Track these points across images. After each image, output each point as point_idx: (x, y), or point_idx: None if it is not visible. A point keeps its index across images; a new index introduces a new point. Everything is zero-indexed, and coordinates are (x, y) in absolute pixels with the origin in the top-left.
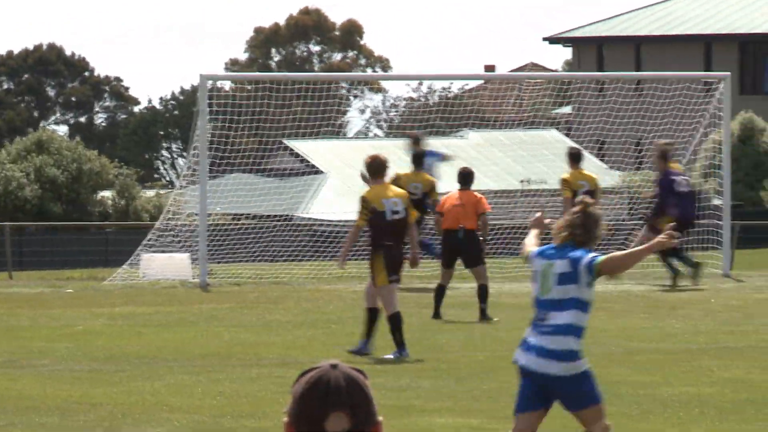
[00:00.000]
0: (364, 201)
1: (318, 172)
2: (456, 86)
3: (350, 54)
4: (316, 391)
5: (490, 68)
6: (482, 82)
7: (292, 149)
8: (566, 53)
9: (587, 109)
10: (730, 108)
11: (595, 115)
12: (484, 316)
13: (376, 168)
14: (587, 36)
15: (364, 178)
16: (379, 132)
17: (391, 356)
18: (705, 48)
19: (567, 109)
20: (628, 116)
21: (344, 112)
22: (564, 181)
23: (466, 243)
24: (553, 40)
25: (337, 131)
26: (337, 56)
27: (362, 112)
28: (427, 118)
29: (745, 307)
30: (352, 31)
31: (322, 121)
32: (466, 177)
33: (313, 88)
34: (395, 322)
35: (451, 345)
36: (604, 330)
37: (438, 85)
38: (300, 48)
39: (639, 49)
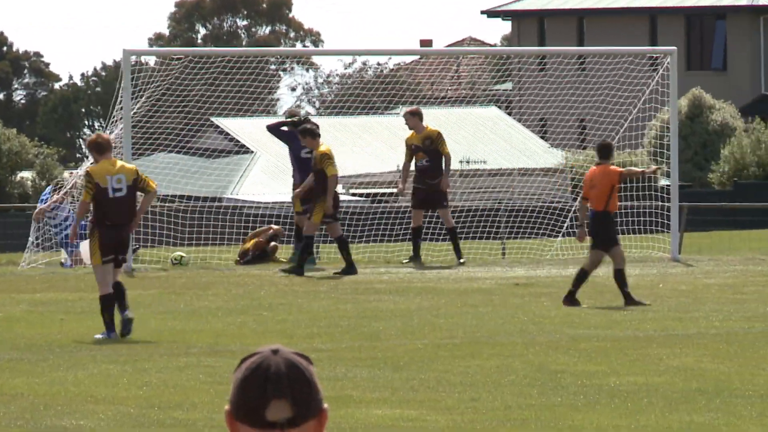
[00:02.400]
0: (88, 176)
1: (247, 151)
2: (391, 62)
3: (278, 27)
4: (255, 377)
5: (426, 43)
6: (418, 57)
7: (220, 127)
8: (506, 27)
9: (528, 85)
10: (677, 84)
11: (537, 92)
12: (629, 300)
13: (100, 145)
14: (528, 9)
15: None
16: (312, 110)
17: (99, 336)
18: (650, 21)
19: (507, 86)
20: (571, 93)
21: (274, 89)
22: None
23: (596, 224)
24: (492, 13)
25: (267, 109)
26: (265, 30)
27: (293, 89)
28: (362, 95)
29: (694, 292)
30: (279, 4)
31: (252, 98)
32: (603, 150)
33: (241, 63)
34: (105, 302)
35: (389, 333)
36: (548, 317)
37: (373, 60)
38: (227, 21)
39: (582, 23)
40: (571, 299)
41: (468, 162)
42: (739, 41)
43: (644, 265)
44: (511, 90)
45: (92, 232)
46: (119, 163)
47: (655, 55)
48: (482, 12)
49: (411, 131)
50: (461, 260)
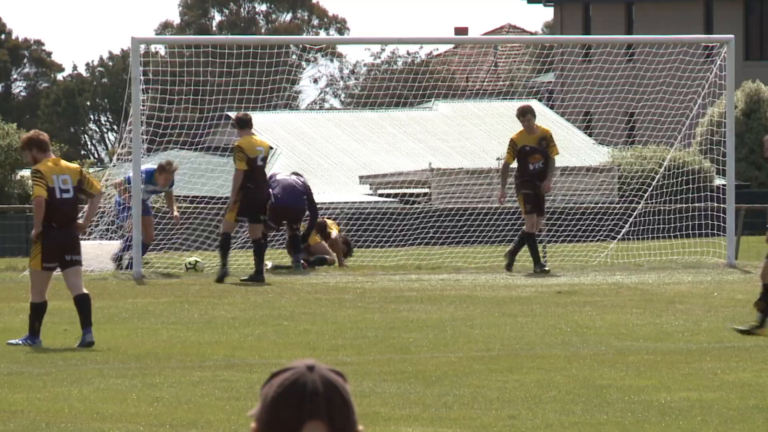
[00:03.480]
0: (39, 173)
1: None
2: (423, 51)
3: (300, 14)
4: (291, 396)
5: (461, 31)
6: (453, 46)
7: None
8: (548, 13)
9: (571, 76)
10: (734, 76)
11: (581, 83)
12: None
13: (43, 143)
14: None
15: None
16: (337, 103)
17: (19, 342)
18: (705, 7)
19: (549, 77)
20: (619, 85)
21: (296, 81)
22: None
23: None
24: None
25: (287, 103)
26: (286, 17)
27: (316, 81)
28: (391, 87)
29: (752, 302)
30: None
31: (271, 91)
32: None
33: (260, 53)
34: (36, 311)
35: (420, 345)
36: (592, 327)
37: (403, 50)
38: (244, 7)
39: (630, 9)
40: None
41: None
42: None
43: (698, 272)
44: (553, 82)
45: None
46: (63, 162)
47: (710, 44)
48: None
49: (519, 130)
50: (545, 267)
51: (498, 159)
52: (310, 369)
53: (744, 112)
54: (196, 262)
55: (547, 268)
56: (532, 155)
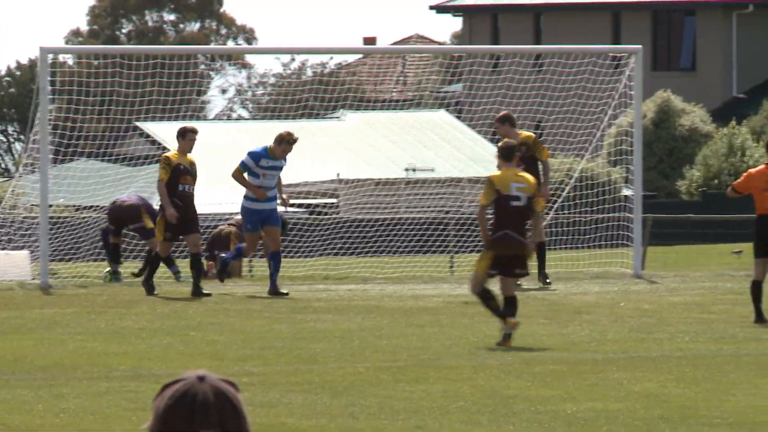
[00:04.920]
0: None
1: None
2: (332, 62)
3: (209, 23)
4: (181, 407)
5: (370, 41)
6: (361, 56)
7: (145, 132)
8: (456, 23)
9: (480, 87)
10: (642, 86)
11: (489, 93)
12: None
13: None
14: (480, 4)
15: None
16: (245, 113)
17: None
18: (613, 18)
19: (457, 87)
20: (527, 95)
21: (204, 91)
22: None
23: None
24: (441, 8)
25: (193, 114)
26: (195, 26)
27: (224, 91)
28: (300, 98)
29: (658, 311)
30: None
31: (180, 101)
32: None
33: (168, 63)
34: None
35: (327, 355)
36: (498, 337)
37: (312, 59)
38: (152, 17)
39: (539, 20)
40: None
41: (414, 170)
42: (710, 39)
43: (605, 282)
44: (461, 92)
45: None
46: None
47: (619, 55)
48: (431, 7)
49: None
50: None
51: (406, 169)
52: (201, 379)
53: (653, 122)
54: (115, 272)
55: (519, 283)
56: None
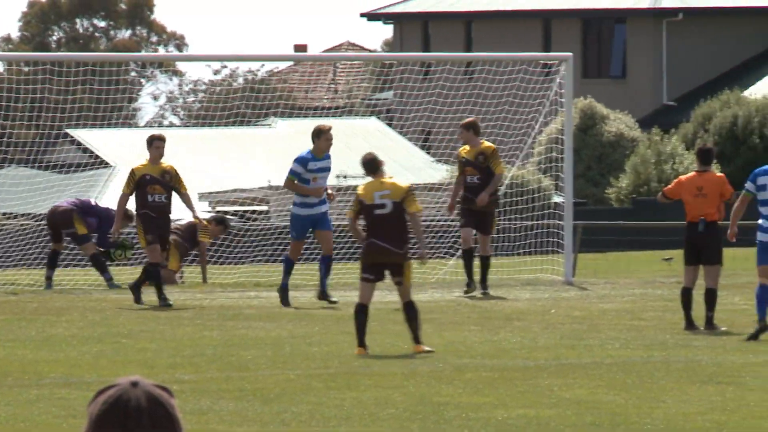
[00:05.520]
0: None
1: (106, 165)
2: (263, 69)
3: (139, 31)
4: (114, 412)
5: (301, 48)
6: (292, 63)
7: (76, 140)
8: (387, 31)
9: (411, 94)
10: (572, 93)
11: (420, 101)
12: (710, 325)
13: None
14: (411, 12)
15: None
16: (176, 120)
17: None
18: (544, 25)
19: (388, 95)
20: (458, 102)
21: (135, 98)
22: None
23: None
24: (372, 16)
25: (124, 122)
26: (125, 33)
27: (155, 98)
28: (231, 105)
29: (589, 318)
30: (140, 5)
31: (111, 109)
32: (706, 154)
33: (99, 70)
34: None
35: (258, 362)
36: (430, 344)
37: (243, 67)
38: (83, 24)
39: (469, 27)
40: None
41: (345, 177)
42: (640, 47)
43: (535, 289)
44: (392, 99)
45: None
46: None
47: (549, 62)
48: (362, 15)
49: (465, 145)
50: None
51: (338, 176)
52: (134, 385)
53: (579, 128)
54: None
55: (472, 288)
56: (466, 167)
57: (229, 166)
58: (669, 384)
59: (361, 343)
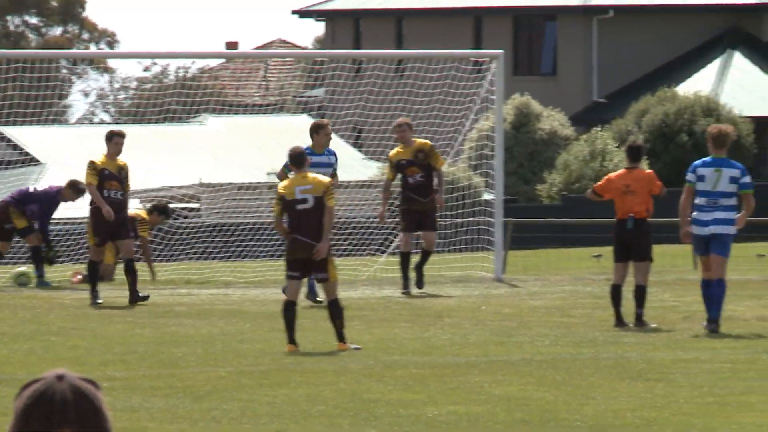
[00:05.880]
0: None
1: (36, 162)
2: (195, 66)
3: (71, 28)
4: (39, 406)
5: (232, 45)
6: (224, 61)
7: (6, 137)
8: (319, 28)
9: (342, 91)
10: (503, 90)
11: (352, 98)
12: (639, 322)
13: None
14: (342, 9)
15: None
16: (107, 117)
17: None
18: (475, 23)
19: (320, 92)
20: (389, 100)
21: (66, 95)
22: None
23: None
24: (303, 13)
25: (55, 119)
26: (57, 30)
27: (86, 94)
28: (162, 102)
29: (519, 315)
30: (72, 2)
31: (42, 105)
32: (635, 151)
33: (30, 67)
34: None
35: (189, 360)
36: (360, 341)
37: (174, 64)
38: (14, 21)
39: (400, 24)
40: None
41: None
42: (571, 44)
43: (466, 286)
44: (323, 96)
45: None
46: None
47: (480, 59)
48: (293, 12)
49: (397, 146)
50: (422, 288)
51: (269, 173)
52: (60, 379)
53: (513, 126)
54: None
55: (409, 290)
56: (408, 168)
57: (161, 163)
58: (598, 381)
59: (291, 341)
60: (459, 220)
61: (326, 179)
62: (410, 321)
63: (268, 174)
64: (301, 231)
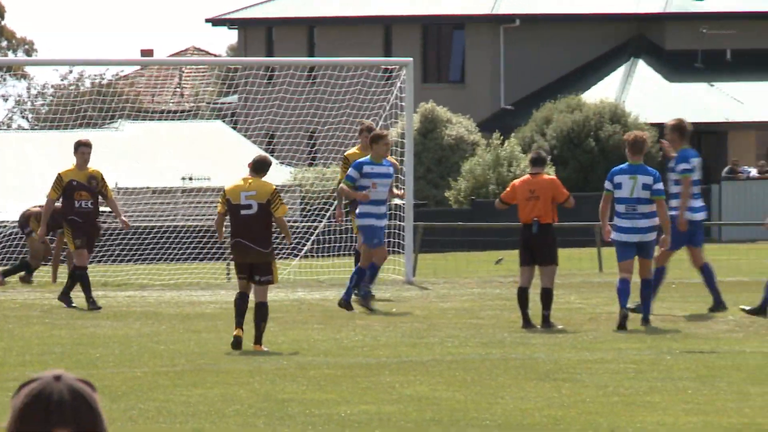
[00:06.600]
0: None
1: None
2: (110, 73)
3: None
4: (37, 405)
5: (147, 53)
6: (139, 68)
7: None
8: (232, 36)
9: (255, 98)
10: (412, 98)
11: (264, 105)
12: (546, 323)
13: None
14: (255, 17)
15: None
16: (24, 123)
17: None
18: (385, 31)
19: (233, 99)
20: (301, 106)
21: None
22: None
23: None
24: (217, 21)
25: None
26: None
27: (5, 100)
28: (79, 108)
29: (429, 317)
30: None
31: None
32: (538, 158)
33: None
34: None
35: (106, 360)
36: (274, 342)
37: (90, 71)
38: None
39: (312, 32)
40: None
41: (191, 179)
42: (478, 52)
43: (376, 289)
44: (237, 103)
45: None
46: None
47: (390, 67)
48: (207, 20)
49: (354, 148)
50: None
51: (183, 178)
52: (57, 379)
53: (420, 132)
54: None
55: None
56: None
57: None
58: (507, 381)
59: (239, 325)
60: None
61: (271, 186)
62: (323, 323)
63: (183, 179)
64: (243, 235)
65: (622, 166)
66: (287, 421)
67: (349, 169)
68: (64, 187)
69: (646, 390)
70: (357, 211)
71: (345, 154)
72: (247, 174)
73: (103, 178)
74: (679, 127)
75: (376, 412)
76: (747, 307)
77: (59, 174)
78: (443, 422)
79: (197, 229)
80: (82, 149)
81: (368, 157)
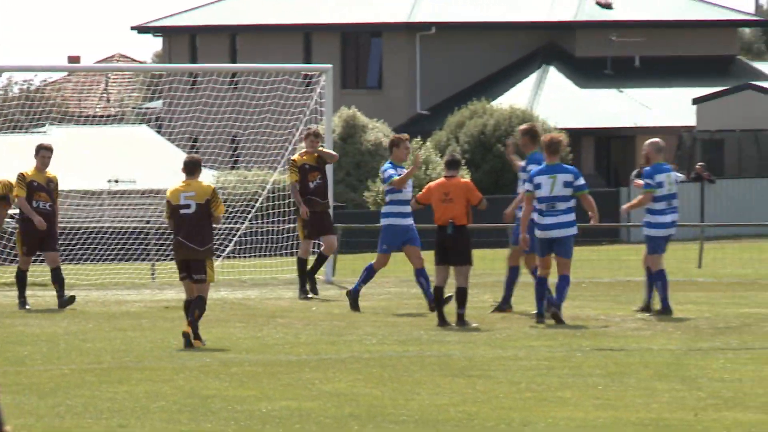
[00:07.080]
0: None
1: None
2: (38, 78)
3: None
4: None
5: (74, 59)
6: (66, 74)
7: None
8: (157, 43)
9: (179, 103)
10: (332, 103)
11: (188, 110)
12: (461, 321)
13: None
14: (179, 25)
15: None
16: None
17: None
18: (305, 38)
19: (158, 104)
20: (223, 111)
21: None
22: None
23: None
24: (142, 29)
25: None
26: None
27: None
28: (7, 113)
29: (348, 316)
30: None
31: None
32: (452, 161)
33: None
34: None
35: (34, 358)
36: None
37: (18, 77)
38: None
39: (234, 40)
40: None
41: (117, 181)
42: (395, 59)
43: (297, 288)
44: (161, 108)
45: None
46: None
47: (309, 73)
48: (132, 28)
49: (301, 152)
50: (311, 295)
51: (109, 181)
52: None
53: (341, 137)
54: None
55: (310, 296)
56: (311, 172)
57: (6, 170)
58: (423, 377)
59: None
60: (290, 225)
61: (210, 186)
62: (245, 321)
63: (109, 181)
64: (183, 234)
65: (540, 167)
66: (210, 417)
67: (386, 173)
68: (27, 185)
69: (557, 386)
70: (382, 210)
71: (292, 158)
72: (183, 178)
73: (57, 184)
74: (531, 131)
75: (296, 408)
76: (636, 307)
77: (22, 173)
78: (361, 418)
79: (123, 230)
80: (43, 152)
81: (391, 162)
